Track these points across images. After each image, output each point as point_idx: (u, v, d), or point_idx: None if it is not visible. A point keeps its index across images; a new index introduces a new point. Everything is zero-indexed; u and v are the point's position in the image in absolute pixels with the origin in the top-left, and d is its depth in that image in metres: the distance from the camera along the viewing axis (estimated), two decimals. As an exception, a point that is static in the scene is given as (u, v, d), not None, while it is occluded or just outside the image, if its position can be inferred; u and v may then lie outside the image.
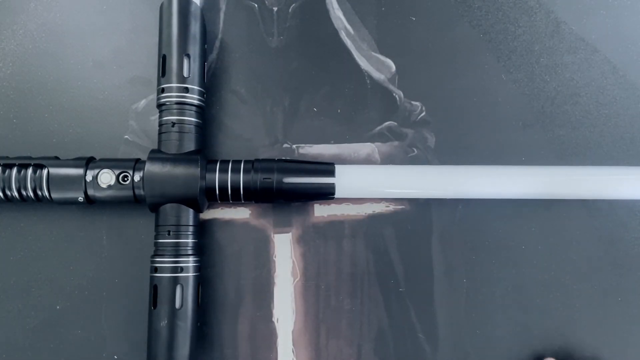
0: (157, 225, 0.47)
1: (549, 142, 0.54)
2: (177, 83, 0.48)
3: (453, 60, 0.54)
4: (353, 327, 0.51)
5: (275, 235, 0.52)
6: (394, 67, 0.54)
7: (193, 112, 0.48)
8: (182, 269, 0.46)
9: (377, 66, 0.54)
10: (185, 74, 0.48)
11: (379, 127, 0.54)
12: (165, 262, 0.46)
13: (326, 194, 0.48)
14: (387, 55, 0.54)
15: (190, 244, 0.47)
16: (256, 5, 0.55)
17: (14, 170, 0.47)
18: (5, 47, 0.54)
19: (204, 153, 0.49)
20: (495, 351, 0.51)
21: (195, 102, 0.48)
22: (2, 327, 0.51)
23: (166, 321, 0.46)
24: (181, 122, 0.48)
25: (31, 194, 0.47)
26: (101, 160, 0.48)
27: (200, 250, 0.50)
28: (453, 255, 0.52)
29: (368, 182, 0.50)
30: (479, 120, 0.54)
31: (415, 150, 0.53)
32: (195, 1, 0.49)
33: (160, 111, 0.49)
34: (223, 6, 0.55)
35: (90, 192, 0.47)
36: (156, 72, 0.49)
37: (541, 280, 0.52)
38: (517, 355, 0.51)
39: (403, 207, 0.53)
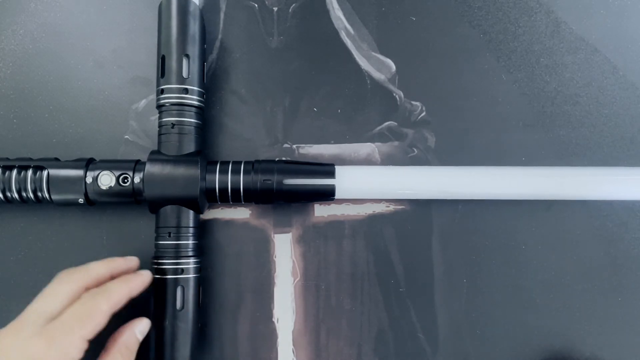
0: (157, 227, 0.48)
1: (549, 142, 0.54)
2: (177, 84, 0.48)
3: (453, 60, 0.54)
4: (353, 327, 0.52)
5: (276, 235, 0.52)
6: (394, 67, 0.54)
7: (193, 113, 0.48)
8: (182, 270, 0.46)
9: (377, 66, 0.54)
10: (185, 74, 0.48)
11: (379, 127, 0.54)
12: (166, 263, 0.46)
13: (326, 195, 0.48)
14: (387, 55, 0.54)
15: (191, 245, 0.48)
16: (256, 5, 0.55)
17: (14, 172, 0.47)
18: (5, 47, 0.54)
19: (204, 154, 0.49)
20: (495, 351, 0.51)
21: (195, 103, 0.48)
22: (3, 327, 0.51)
23: (167, 322, 0.46)
24: (181, 123, 0.48)
25: (31, 195, 0.47)
26: (101, 161, 0.48)
27: (200, 251, 0.50)
28: (453, 255, 0.52)
29: (368, 182, 0.50)
30: (479, 120, 0.54)
31: (415, 150, 0.53)
32: (195, 1, 0.49)
33: (160, 112, 0.49)
34: (223, 6, 0.55)
35: (91, 193, 0.47)
36: (156, 72, 0.49)
37: (541, 280, 0.52)
38: (517, 355, 0.51)
39: (403, 207, 0.53)
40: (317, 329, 0.51)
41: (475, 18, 0.55)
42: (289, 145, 0.53)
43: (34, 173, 0.47)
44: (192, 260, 0.47)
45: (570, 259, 0.53)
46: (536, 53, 0.55)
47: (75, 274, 0.43)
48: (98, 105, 0.53)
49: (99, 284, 0.43)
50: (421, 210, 0.53)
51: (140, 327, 0.45)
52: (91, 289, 0.42)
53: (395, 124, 0.54)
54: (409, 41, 0.55)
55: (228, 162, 0.48)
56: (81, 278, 0.42)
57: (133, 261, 0.47)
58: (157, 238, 0.48)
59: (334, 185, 0.48)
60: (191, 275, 0.47)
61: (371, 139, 0.54)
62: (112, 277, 0.44)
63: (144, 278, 0.45)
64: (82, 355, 0.39)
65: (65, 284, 0.42)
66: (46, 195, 0.47)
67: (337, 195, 0.49)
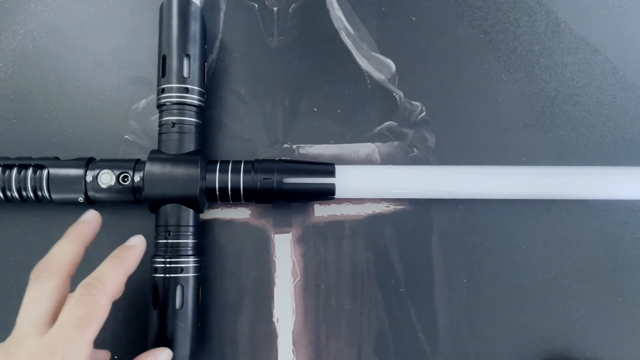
0: (157, 226, 0.47)
1: (549, 142, 0.54)
2: (177, 83, 0.48)
3: (453, 60, 0.54)
4: (353, 327, 0.51)
5: (275, 235, 0.52)
6: (394, 67, 0.54)
7: (193, 113, 0.48)
8: (182, 270, 0.46)
9: (377, 66, 0.54)
10: (185, 74, 0.48)
11: (379, 127, 0.54)
12: (165, 262, 0.46)
13: (326, 195, 0.48)
14: (387, 55, 0.54)
15: (191, 244, 0.47)
16: (256, 5, 0.55)
17: (14, 171, 0.47)
18: (5, 47, 0.54)
19: (204, 153, 0.49)
20: (495, 351, 0.51)
21: (195, 102, 0.48)
22: (2, 327, 0.50)
23: (167, 321, 0.46)
24: (181, 122, 0.48)
25: (31, 194, 0.47)
26: (101, 160, 0.48)
27: (200, 250, 0.50)
28: (453, 255, 0.52)
29: (368, 182, 0.50)
30: (479, 120, 0.54)
31: (415, 150, 0.53)
32: (195, 1, 0.49)
33: (160, 111, 0.49)
34: (223, 6, 0.55)
35: (91, 192, 0.47)
36: (156, 72, 0.49)
37: (541, 280, 0.52)
38: (517, 355, 0.51)
39: (403, 207, 0.53)
40: (317, 329, 0.51)
41: (475, 18, 0.55)
42: (289, 145, 0.53)
43: (34, 172, 0.47)
44: (191, 259, 0.47)
45: (570, 259, 0.52)
46: (536, 53, 0.55)
47: (49, 267, 0.39)
48: (98, 105, 0.53)
49: (77, 264, 0.41)
50: (421, 210, 0.53)
51: (162, 357, 0.44)
52: (82, 282, 0.39)
53: (395, 124, 0.54)
54: (409, 41, 0.55)
55: (228, 162, 0.48)
56: (58, 269, 0.39)
57: (92, 220, 0.44)
58: (156, 237, 0.47)
59: (334, 184, 0.48)
60: (191, 275, 0.47)
61: (371, 139, 0.54)
62: (85, 248, 0.42)
63: (137, 249, 0.43)
64: (89, 358, 0.37)
65: (44, 282, 0.39)
66: (46, 194, 0.47)
67: (337, 195, 0.49)
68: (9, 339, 0.37)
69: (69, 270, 0.40)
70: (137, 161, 0.48)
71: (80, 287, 0.39)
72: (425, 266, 0.52)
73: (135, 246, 0.43)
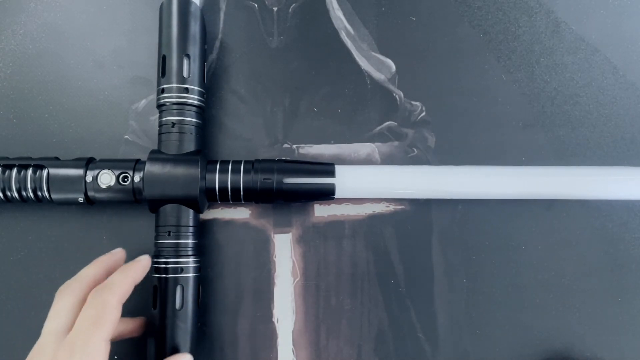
0: (157, 226, 0.47)
1: (549, 142, 0.54)
2: (177, 83, 0.48)
3: (453, 60, 0.54)
4: (353, 327, 0.51)
5: (275, 235, 0.52)
6: (394, 67, 0.54)
7: (193, 113, 0.48)
8: (182, 270, 0.46)
9: (377, 66, 0.54)
10: (185, 74, 0.48)
11: (379, 127, 0.54)
12: (165, 262, 0.46)
13: (326, 195, 0.48)
14: (387, 55, 0.54)
15: (191, 245, 0.47)
16: (256, 5, 0.55)
17: (14, 171, 0.47)
18: (5, 47, 0.54)
19: (204, 153, 0.49)
20: (495, 351, 0.51)
21: (195, 102, 0.48)
22: (2, 327, 0.51)
23: (167, 321, 0.46)
24: (181, 122, 0.48)
25: (31, 194, 0.47)
26: (101, 160, 0.48)
27: (200, 250, 0.50)
28: (453, 255, 0.52)
29: (368, 182, 0.50)
30: (479, 120, 0.54)
31: (415, 150, 0.53)
32: (195, 1, 0.49)
33: (160, 111, 0.49)
34: (223, 6, 0.55)
35: (91, 192, 0.47)
36: (156, 72, 0.49)
37: (541, 280, 0.52)
38: (517, 355, 0.51)
39: (403, 207, 0.53)
40: (317, 329, 0.51)
41: (475, 18, 0.55)
42: (289, 145, 0.53)
43: (34, 172, 0.47)
44: (191, 259, 0.47)
45: (570, 259, 0.52)
46: (536, 53, 0.55)
47: (72, 285, 0.42)
48: (98, 105, 0.53)
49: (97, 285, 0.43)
50: (421, 210, 0.53)
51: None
52: (92, 290, 0.41)
53: (395, 124, 0.54)
54: (409, 41, 0.55)
55: (228, 162, 0.48)
56: (80, 286, 0.42)
57: (118, 253, 0.46)
58: (156, 237, 0.47)
59: (333, 184, 0.48)
60: (191, 275, 0.47)
61: (371, 139, 0.54)
62: (108, 275, 0.44)
63: (143, 263, 0.45)
64: (107, 358, 0.39)
65: (67, 297, 0.41)
66: (46, 194, 0.47)
67: (337, 195, 0.49)
68: (34, 348, 0.40)
69: (90, 287, 0.42)
70: (137, 161, 0.48)
71: (91, 293, 0.41)
72: (425, 266, 0.52)
73: (141, 260, 0.45)
